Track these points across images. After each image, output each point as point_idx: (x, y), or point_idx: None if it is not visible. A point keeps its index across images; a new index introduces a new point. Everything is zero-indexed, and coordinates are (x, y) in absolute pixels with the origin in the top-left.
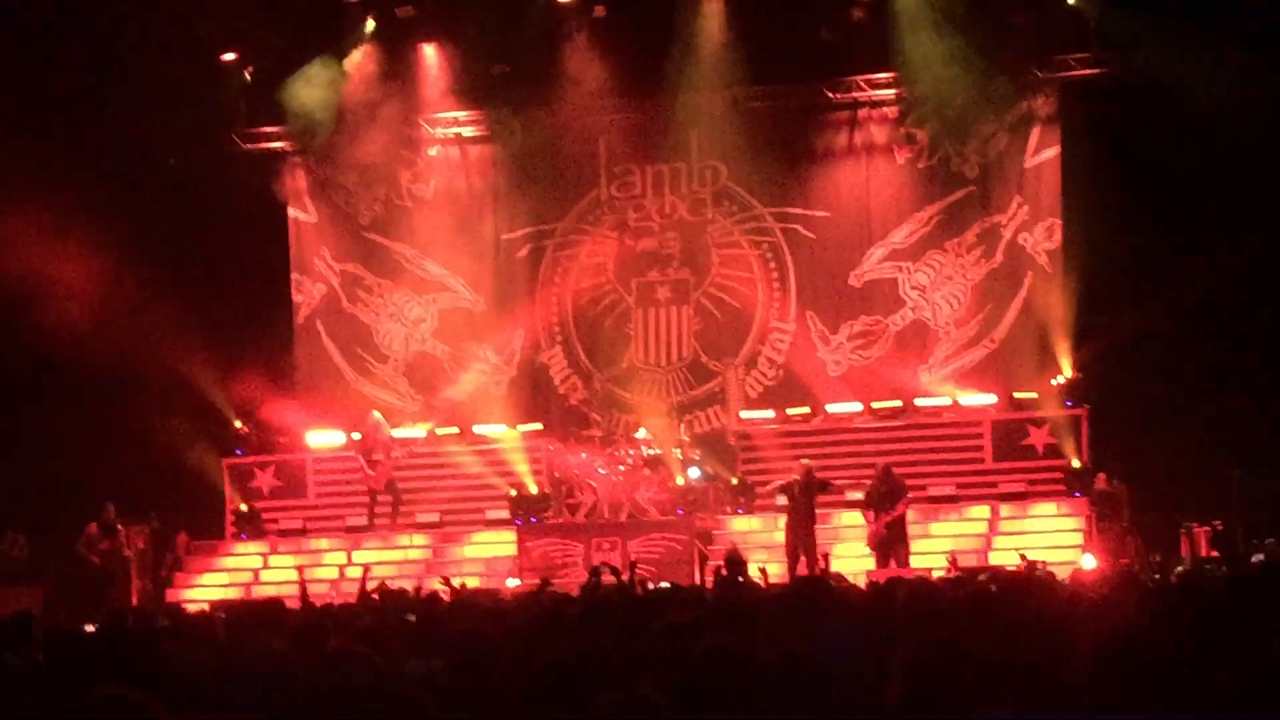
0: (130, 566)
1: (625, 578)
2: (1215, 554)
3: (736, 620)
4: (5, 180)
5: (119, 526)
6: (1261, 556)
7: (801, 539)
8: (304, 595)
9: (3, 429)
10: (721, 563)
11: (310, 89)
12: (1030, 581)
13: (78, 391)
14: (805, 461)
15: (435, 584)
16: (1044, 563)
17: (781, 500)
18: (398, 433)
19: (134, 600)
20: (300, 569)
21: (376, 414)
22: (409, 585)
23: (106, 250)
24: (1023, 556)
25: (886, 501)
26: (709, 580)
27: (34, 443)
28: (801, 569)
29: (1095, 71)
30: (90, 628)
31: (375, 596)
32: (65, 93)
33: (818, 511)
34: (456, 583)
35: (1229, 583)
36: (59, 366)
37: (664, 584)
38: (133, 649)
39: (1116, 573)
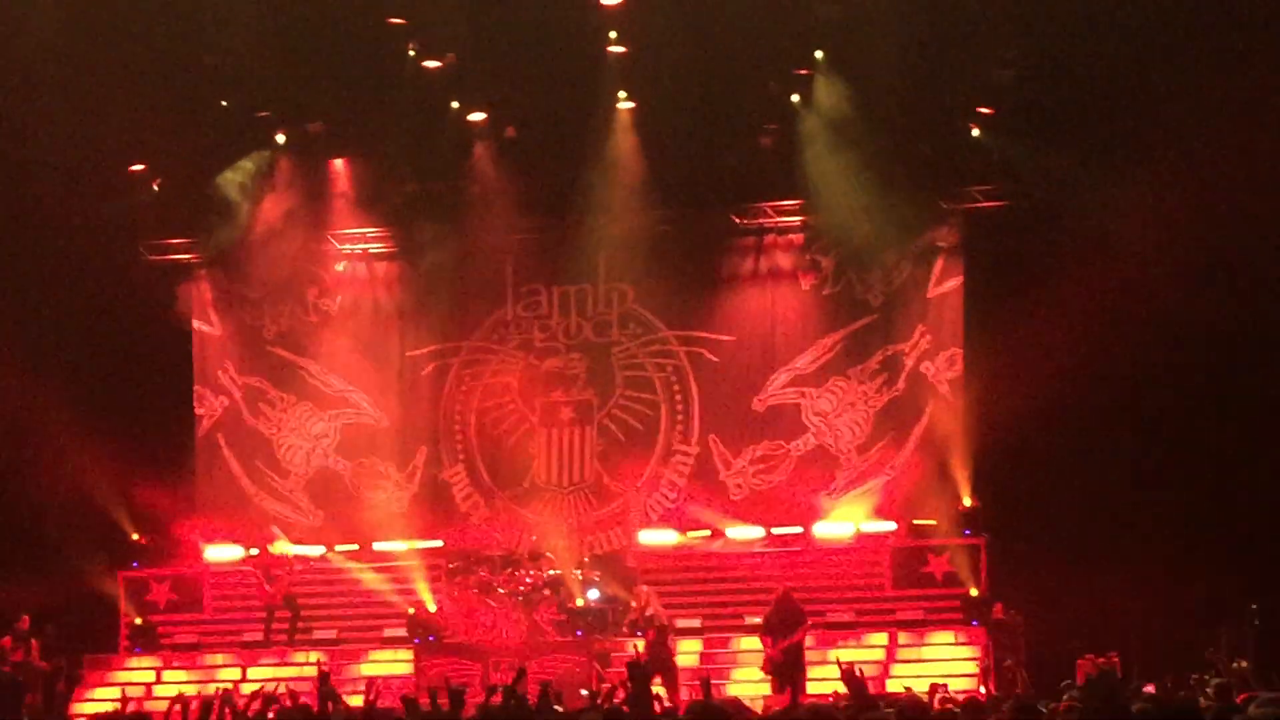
0: (39, 679)
1: (534, 698)
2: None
3: None
4: None
5: (32, 640)
6: (1151, 688)
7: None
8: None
9: None
10: (625, 677)
11: (234, 184)
12: (930, 709)
13: None
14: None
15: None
16: (946, 686)
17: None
18: (297, 549)
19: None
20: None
21: (277, 531)
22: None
23: (8, 358)
24: (908, 689)
25: (785, 628)
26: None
27: None
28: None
29: (999, 204)
30: None
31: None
32: None
33: (715, 636)
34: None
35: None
36: None
37: (583, 691)
38: None
39: (1011, 702)
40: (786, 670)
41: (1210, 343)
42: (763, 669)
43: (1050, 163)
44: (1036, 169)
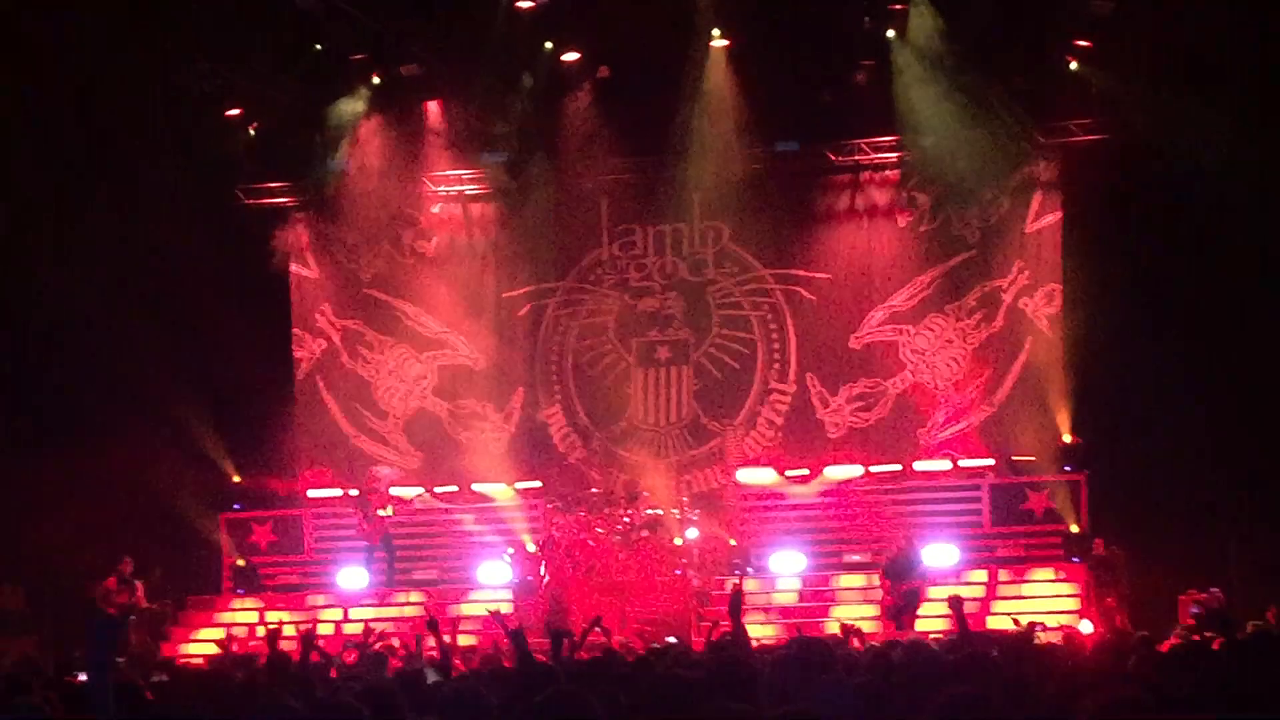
0: (145, 620)
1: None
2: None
3: (737, 678)
4: (10, 229)
5: (136, 582)
6: (1257, 623)
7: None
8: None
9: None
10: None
11: (332, 127)
12: (1030, 646)
13: (76, 444)
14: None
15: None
16: (1044, 624)
17: None
18: (396, 490)
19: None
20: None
21: (382, 469)
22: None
23: (110, 303)
24: (1015, 621)
25: (906, 571)
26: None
27: (32, 496)
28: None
29: (1097, 137)
30: (83, 677)
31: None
32: (71, 146)
33: (814, 574)
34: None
35: (1225, 651)
36: (58, 420)
37: (671, 639)
38: (125, 702)
39: (1115, 638)
40: (903, 613)
41: None
42: (882, 608)
43: (1149, 96)
44: (1135, 102)
